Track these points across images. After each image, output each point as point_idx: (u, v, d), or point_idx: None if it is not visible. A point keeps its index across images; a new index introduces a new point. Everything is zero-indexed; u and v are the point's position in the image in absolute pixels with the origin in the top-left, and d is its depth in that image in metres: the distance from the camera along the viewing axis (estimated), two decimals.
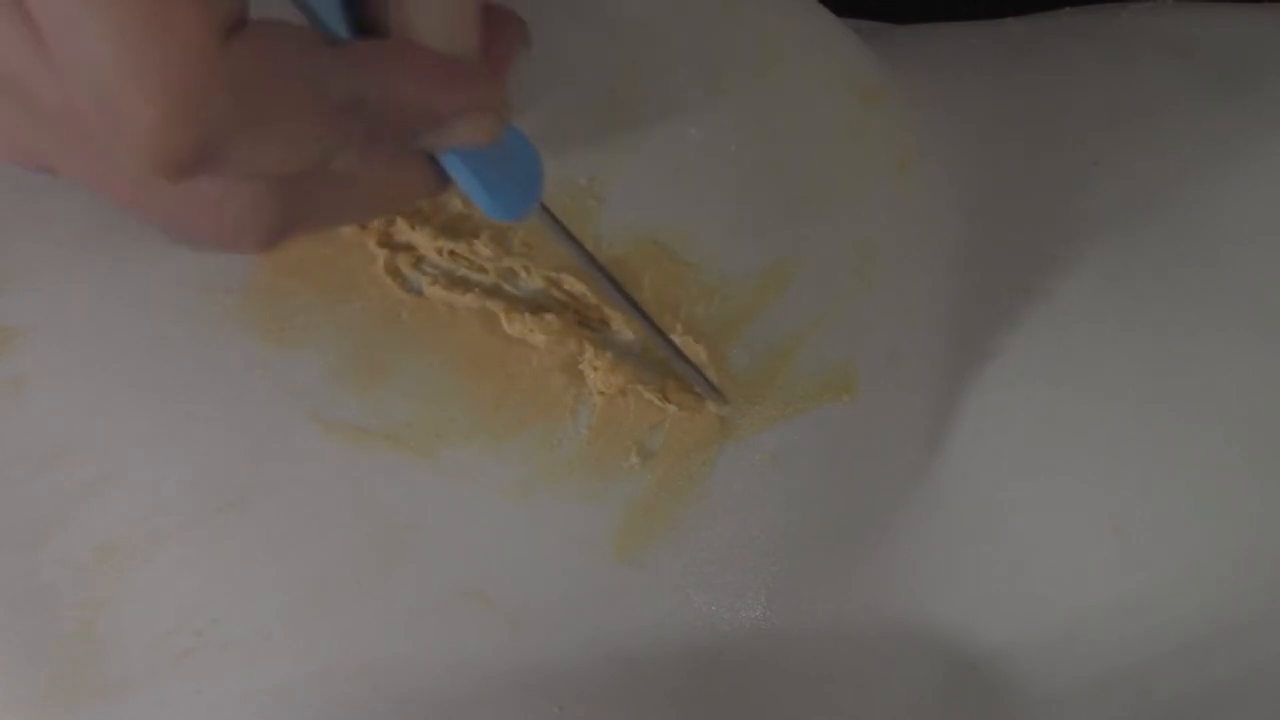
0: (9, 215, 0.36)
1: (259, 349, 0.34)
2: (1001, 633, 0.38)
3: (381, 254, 0.35)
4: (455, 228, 0.36)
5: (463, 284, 0.35)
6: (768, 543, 0.36)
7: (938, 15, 0.52)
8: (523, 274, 0.35)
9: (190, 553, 0.33)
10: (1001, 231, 0.43)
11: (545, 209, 0.30)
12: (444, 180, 0.28)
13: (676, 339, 0.35)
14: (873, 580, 0.38)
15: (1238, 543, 0.38)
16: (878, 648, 0.37)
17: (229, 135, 0.23)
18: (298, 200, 0.25)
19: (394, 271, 0.35)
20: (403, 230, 0.35)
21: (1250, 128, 0.44)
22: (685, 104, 0.38)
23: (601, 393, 0.35)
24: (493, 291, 0.35)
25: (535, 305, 0.35)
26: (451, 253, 0.35)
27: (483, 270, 0.35)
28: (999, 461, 0.39)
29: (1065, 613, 0.38)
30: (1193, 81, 0.45)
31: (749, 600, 0.36)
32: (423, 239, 0.35)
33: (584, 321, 0.35)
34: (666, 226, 0.37)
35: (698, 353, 0.35)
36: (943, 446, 0.39)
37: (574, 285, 0.35)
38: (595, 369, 0.34)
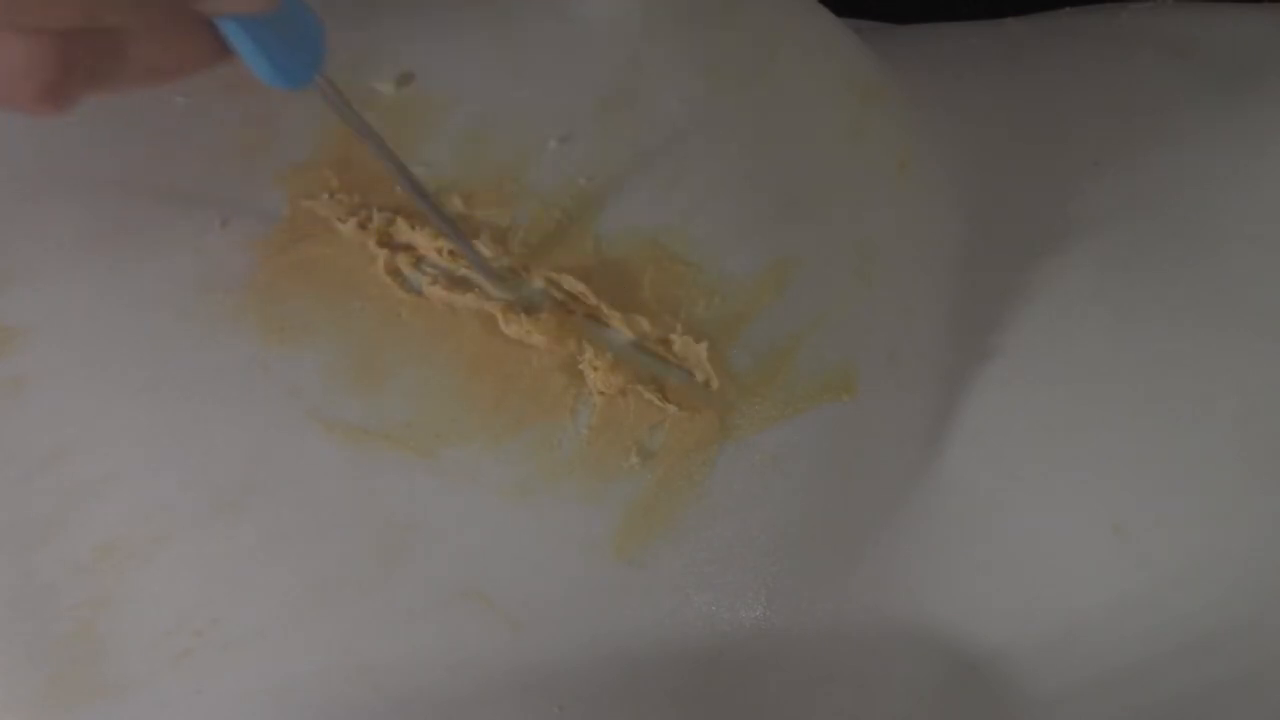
0: (9, 215, 0.36)
1: (259, 349, 0.34)
2: (1001, 633, 0.38)
3: (381, 254, 0.35)
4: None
5: (463, 284, 0.35)
6: (768, 543, 0.36)
7: (938, 15, 0.52)
8: (522, 274, 0.35)
9: (190, 553, 0.33)
10: (1002, 231, 0.43)
11: (328, 81, 0.30)
12: (226, 50, 0.28)
13: (676, 338, 0.35)
14: (873, 580, 0.38)
15: (1237, 543, 0.38)
16: (878, 648, 0.37)
17: None
18: (75, 56, 0.26)
19: (394, 271, 0.35)
20: (403, 230, 0.35)
21: (1250, 128, 0.44)
22: (685, 104, 0.38)
23: (601, 393, 0.35)
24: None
25: (534, 305, 0.35)
26: (451, 252, 0.35)
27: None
28: (999, 461, 0.39)
29: (1065, 613, 0.38)
30: (1193, 81, 0.45)
31: (749, 600, 0.36)
32: (423, 239, 0.35)
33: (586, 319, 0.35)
34: (666, 226, 0.37)
35: (698, 352, 0.35)
36: (943, 446, 0.39)
37: (574, 285, 0.35)
38: (595, 369, 0.34)
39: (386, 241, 0.35)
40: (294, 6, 0.28)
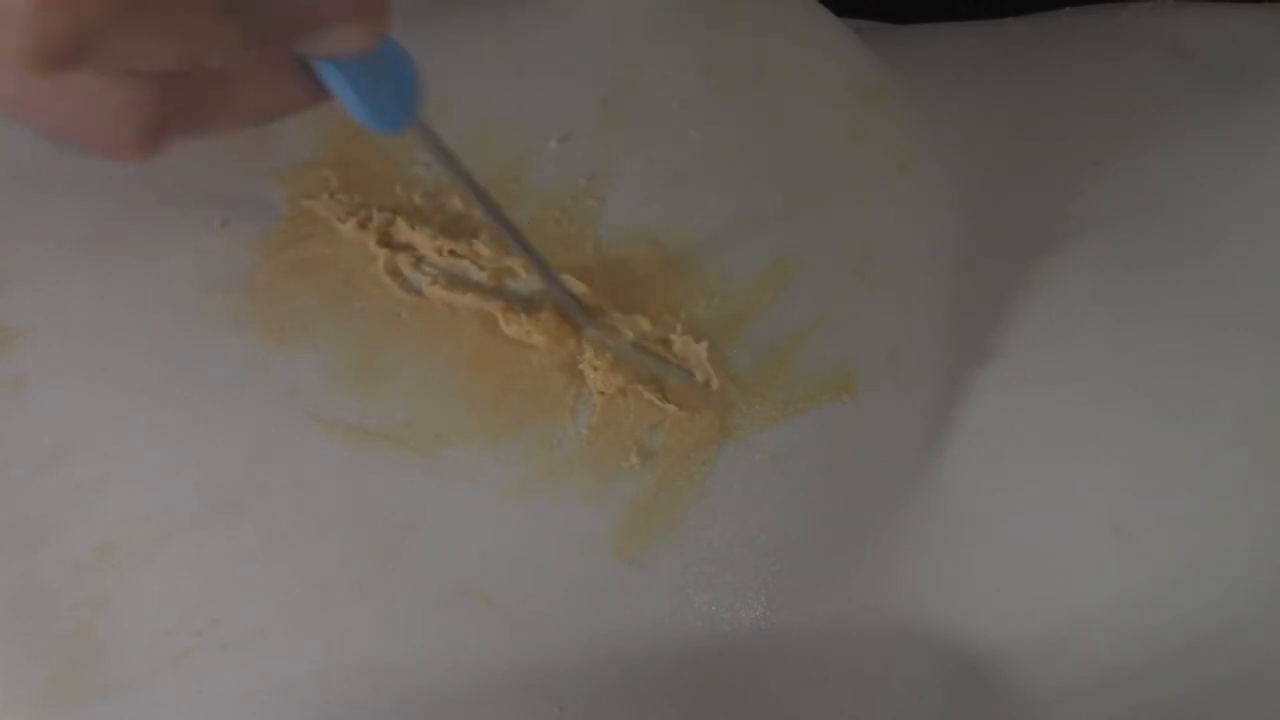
0: (9, 215, 0.36)
1: (259, 349, 0.34)
2: (1001, 633, 0.38)
3: (381, 254, 0.35)
4: (455, 228, 0.36)
5: (463, 284, 0.35)
6: (768, 543, 0.36)
7: (938, 15, 0.52)
8: (522, 274, 0.35)
9: (190, 553, 0.33)
10: (1001, 231, 0.43)
11: (423, 125, 0.30)
12: (322, 92, 0.27)
13: (676, 338, 0.35)
14: (873, 580, 0.38)
15: (1238, 543, 0.38)
16: (878, 648, 0.37)
17: (105, 24, 0.23)
18: (174, 99, 0.25)
19: (394, 271, 0.35)
20: (403, 230, 0.35)
21: (1250, 128, 0.44)
22: (685, 104, 0.38)
23: (601, 393, 0.35)
24: (493, 291, 0.35)
25: (534, 305, 0.35)
26: (451, 252, 0.35)
27: (482, 270, 0.35)
28: (998, 462, 0.39)
29: (1065, 613, 0.38)
30: (1193, 81, 0.45)
31: (749, 600, 0.36)
32: (423, 239, 0.35)
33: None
34: (666, 226, 0.37)
35: (698, 352, 0.35)
36: (942, 447, 0.39)
37: (574, 285, 0.35)
38: (595, 369, 0.34)
39: (386, 241, 0.35)
40: (391, 51, 0.28)
